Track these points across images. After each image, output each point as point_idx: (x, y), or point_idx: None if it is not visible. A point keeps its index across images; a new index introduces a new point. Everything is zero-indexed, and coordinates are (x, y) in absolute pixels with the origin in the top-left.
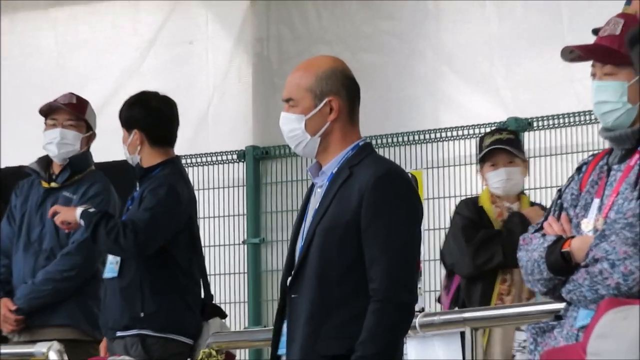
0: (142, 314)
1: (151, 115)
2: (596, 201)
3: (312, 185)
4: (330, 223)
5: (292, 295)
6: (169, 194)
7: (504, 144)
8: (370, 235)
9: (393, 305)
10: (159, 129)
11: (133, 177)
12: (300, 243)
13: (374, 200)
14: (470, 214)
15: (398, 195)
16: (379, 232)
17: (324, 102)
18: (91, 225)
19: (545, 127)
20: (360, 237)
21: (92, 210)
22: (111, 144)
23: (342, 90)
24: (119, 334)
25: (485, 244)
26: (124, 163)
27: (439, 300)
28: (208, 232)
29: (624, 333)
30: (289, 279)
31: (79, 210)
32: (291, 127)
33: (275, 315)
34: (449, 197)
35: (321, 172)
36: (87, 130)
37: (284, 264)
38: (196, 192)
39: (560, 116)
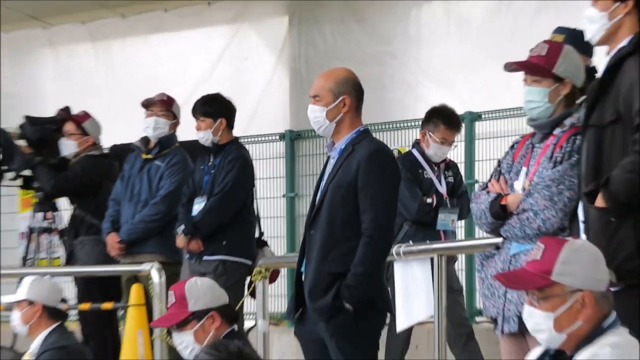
0: (224, 242)
1: (230, 107)
2: (524, 169)
3: (328, 158)
4: (338, 183)
5: (311, 232)
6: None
7: None
8: (364, 193)
9: (376, 241)
10: (234, 118)
11: (201, 151)
12: (318, 197)
13: (366, 169)
14: None
15: (383, 166)
16: (369, 191)
17: (340, 99)
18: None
19: (490, 118)
20: (356, 194)
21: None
22: (189, 129)
23: (352, 92)
24: (205, 258)
25: None
26: (195, 142)
27: None
28: (260, 188)
29: (580, 257)
30: (309, 221)
31: None
32: (315, 115)
33: (301, 245)
34: None
35: (334, 148)
36: (174, 118)
37: (308, 210)
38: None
39: (501, 110)
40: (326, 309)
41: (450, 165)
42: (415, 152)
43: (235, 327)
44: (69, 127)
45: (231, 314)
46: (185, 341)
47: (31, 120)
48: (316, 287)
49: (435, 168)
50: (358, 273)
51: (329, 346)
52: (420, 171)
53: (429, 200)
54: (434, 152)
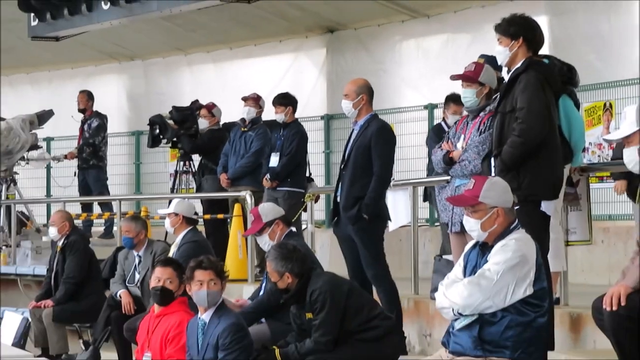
0: (289, 180)
1: (294, 100)
2: (462, 136)
3: (352, 130)
4: (359, 145)
5: (343, 172)
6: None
7: None
8: (374, 151)
9: (382, 178)
10: (296, 106)
11: (275, 126)
12: (347, 151)
13: (376, 137)
14: None
15: (385, 136)
16: (378, 150)
17: (360, 96)
18: None
19: (442, 107)
20: (371, 151)
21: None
22: (269, 114)
23: (367, 92)
24: (278, 188)
25: None
26: (272, 121)
27: None
28: (309, 147)
29: (496, 187)
30: (342, 166)
31: None
32: (346, 106)
33: (336, 181)
34: (403, 134)
35: (356, 124)
36: (259, 108)
37: (340, 161)
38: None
39: None
40: (353, 217)
41: None
42: (442, 123)
43: (294, 228)
44: (204, 111)
45: (288, 220)
46: (264, 241)
47: (176, 108)
48: (346, 204)
49: None
50: (371, 196)
51: (355, 239)
52: (443, 135)
53: None
54: (451, 121)
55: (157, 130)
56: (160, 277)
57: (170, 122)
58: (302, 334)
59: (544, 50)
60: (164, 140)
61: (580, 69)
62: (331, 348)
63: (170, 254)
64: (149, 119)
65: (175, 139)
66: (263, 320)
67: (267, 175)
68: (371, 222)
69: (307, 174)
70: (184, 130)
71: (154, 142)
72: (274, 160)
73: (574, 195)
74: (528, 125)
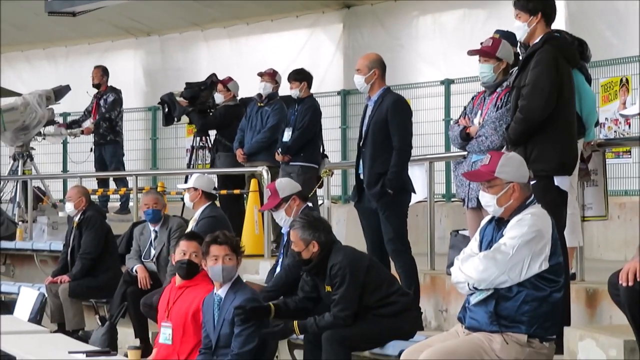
0: (302, 155)
1: (310, 76)
2: (479, 111)
3: (366, 105)
4: (376, 119)
5: (363, 149)
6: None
7: None
8: (392, 125)
9: (402, 151)
10: (311, 82)
11: (291, 102)
12: (364, 128)
13: (392, 110)
14: None
15: (402, 109)
16: (395, 123)
17: (372, 70)
18: None
19: (459, 82)
20: (388, 125)
21: None
22: (285, 89)
23: (379, 66)
24: (291, 163)
25: None
26: (288, 97)
27: None
28: (324, 122)
29: (511, 162)
30: (360, 143)
31: None
32: (358, 81)
33: (356, 157)
34: (419, 110)
35: (370, 100)
36: (276, 83)
37: (358, 136)
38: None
39: (465, 78)
40: (377, 193)
41: None
42: None
43: (310, 204)
44: (220, 86)
45: (305, 195)
46: (281, 216)
47: (188, 85)
48: (370, 181)
49: None
50: (394, 171)
51: (380, 215)
52: None
53: None
54: None
55: (167, 109)
56: (185, 250)
57: (180, 99)
58: (306, 302)
59: (561, 26)
60: (175, 119)
61: (597, 44)
62: (350, 323)
63: (189, 229)
64: (160, 98)
65: (186, 116)
66: (281, 297)
67: (279, 150)
68: (396, 196)
69: (321, 149)
70: (194, 106)
71: (167, 121)
72: (287, 135)
73: (585, 170)
74: (529, 103)
